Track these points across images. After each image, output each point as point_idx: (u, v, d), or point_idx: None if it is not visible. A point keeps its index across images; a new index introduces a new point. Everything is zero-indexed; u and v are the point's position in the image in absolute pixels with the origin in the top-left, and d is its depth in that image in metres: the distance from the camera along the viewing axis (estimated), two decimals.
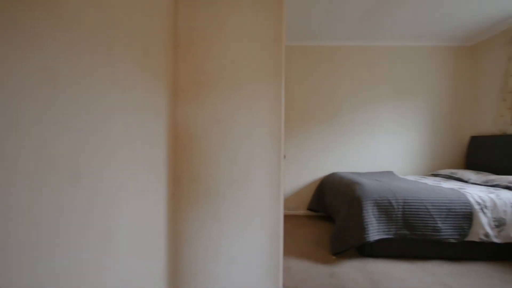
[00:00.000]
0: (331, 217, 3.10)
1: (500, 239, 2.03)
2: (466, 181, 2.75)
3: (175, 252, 1.34)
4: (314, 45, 3.43)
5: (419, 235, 2.04)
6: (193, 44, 1.34)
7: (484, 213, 2.05)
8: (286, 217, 3.24)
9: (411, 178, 3.02)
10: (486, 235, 2.02)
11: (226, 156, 1.35)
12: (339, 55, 3.44)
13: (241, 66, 1.35)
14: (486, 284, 1.76)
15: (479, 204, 2.07)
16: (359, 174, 3.14)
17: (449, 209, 2.06)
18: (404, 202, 2.10)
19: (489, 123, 3.07)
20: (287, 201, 3.41)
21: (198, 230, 1.35)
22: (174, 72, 1.32)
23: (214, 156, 1.35)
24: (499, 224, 2.04)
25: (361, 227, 2.02)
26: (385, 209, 2.09)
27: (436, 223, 2.04)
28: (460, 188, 2.31)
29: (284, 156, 2.55)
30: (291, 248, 2.32)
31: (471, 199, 2.09)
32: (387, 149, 3.43)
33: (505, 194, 2.14)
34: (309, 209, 3.33)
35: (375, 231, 2.03)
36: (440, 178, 3.07)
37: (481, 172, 2.80)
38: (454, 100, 3.43)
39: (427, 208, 2.07)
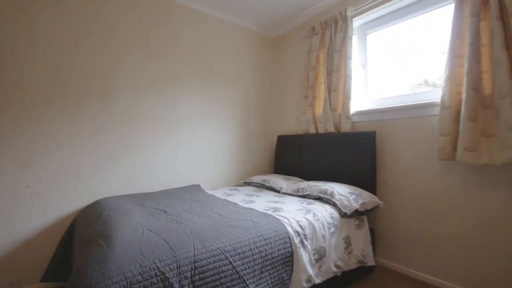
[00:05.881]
0: None
1: (321, 277, 1.45)
2: (278, 191, 2.24)
3: None
4: None
5: None
6: None
7: (304, 247, 1.40)
8: None
9: (220, 193, 2.16)
10: (309, 279, 1.37)
11: None
12: None
13: None
14: None
15: (298, 234, 1.39)
16: (145, 196, 1.89)
17: (266, 257, 1.23)
18: (194, 269, 1.02)
19: (294, 122, 2.83)
20: None
21: None
22: None
23: None
24: (319, 256, 1.47)
25: None
26: None
27: None
28: (275, 210, 1.61)
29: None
30: None
31: (290, 230, 1.37)
32: (193, 154, 2.44)
33: (320, 209, 1.63)
34: (44, 280, 1.65)
35: None
36: (252, 188, 2.45)
37: (290, 177, 2.40)
38: (263, 94, 3.03)
39: (234, 268, 1.12)
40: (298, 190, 2.04)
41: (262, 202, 1.84)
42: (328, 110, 2.31)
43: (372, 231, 1.95)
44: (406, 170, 1.88)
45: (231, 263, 1.11)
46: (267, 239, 1.26)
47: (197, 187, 2.26)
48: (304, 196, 1.97)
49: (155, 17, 2.21)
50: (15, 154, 1.63)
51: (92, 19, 1.91)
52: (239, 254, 1.15)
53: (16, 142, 1.63)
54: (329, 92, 2.35)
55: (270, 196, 2.05)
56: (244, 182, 2.65)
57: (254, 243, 1.21)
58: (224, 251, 1.11)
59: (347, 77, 2.21)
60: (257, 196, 2.07)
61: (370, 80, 2.30)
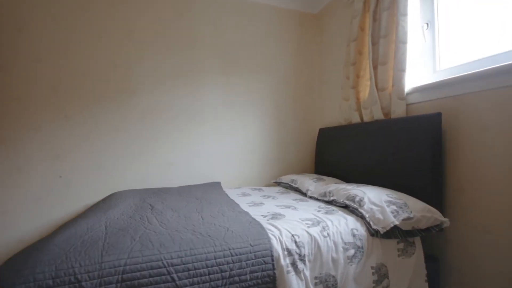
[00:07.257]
0: None
1: None
2: (305, 193, 1.83)
3: None
4: None
5: None
6: None
7: (298, 272, 1.00)
8: None
9: (236, 193, 1.92)
10: None
11: None
12: None
13: None
14: None
15: (290, 253, 1.01)
16: (158, 191, 1.84)
17: (229, 279, 0.92)
18: (121, 281, 0.82)
19: (336, 111, 2.32)
20: None
21: None
22: None
23: None
24: None
25: None
26: None
27: None
28: (273, 217, 1.25)
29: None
30: None
31: (277, 246, 1.01)
32: (217, 151, 2.29)
33: (336, 222, 1.18)
34: None
35: None
36: (279, 188, 2.11)
37: (323, 178, 1.94)
38: (301, 80, 2.62)
39: (175, 284, 0.86)
40: (324, 194, 1.59)
41: (270, 205, 1.50)
42: (374, 90, 1.75)
43: (435, 261, 1.32)
44: (500, 172, 1.18)
45: (173, 280, 0.86)
46: (236, 255, 0.95)
47: (215, 185, 2.09)
48: (330, 202, 1.52)
49: (175, 9, 2.17)
50: (51, 147, 1.84)
51: (112, 19, 2.00)
52: (188, 270, 0.88)
53: (52, 136, 1.85)
54: (375, 67, 1.78)
55: (288, 199, 1.68)
56: (274, 182, 2.33)
57: (215, 258, 0.92)
58: (167, 264, 0.87)
59: (399, 42, 1.61)
60: (273, 198, 1.73)
61: (438, 43, 1.60)
